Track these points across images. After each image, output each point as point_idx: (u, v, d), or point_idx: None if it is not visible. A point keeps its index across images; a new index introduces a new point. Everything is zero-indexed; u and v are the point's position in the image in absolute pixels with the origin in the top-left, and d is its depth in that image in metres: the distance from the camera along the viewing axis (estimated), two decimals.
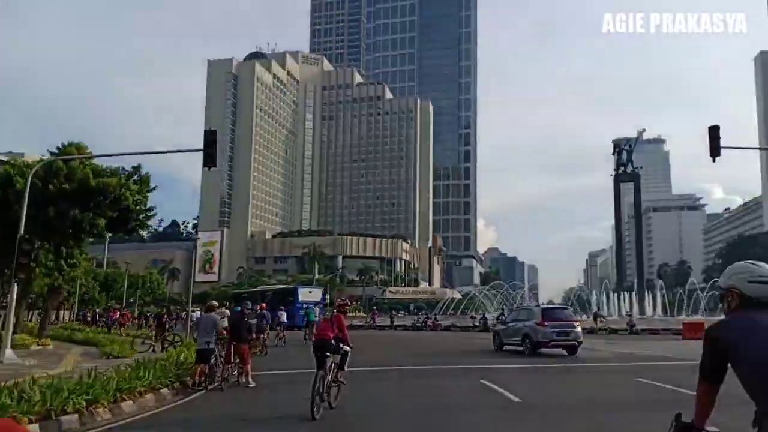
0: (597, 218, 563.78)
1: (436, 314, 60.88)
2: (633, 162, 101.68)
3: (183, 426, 9.11)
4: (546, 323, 20.65)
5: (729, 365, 2.61)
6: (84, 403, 8.59)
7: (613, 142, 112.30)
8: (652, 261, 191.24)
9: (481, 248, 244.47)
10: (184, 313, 41.81)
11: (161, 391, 10.92)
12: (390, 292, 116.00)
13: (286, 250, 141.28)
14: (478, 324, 43.96)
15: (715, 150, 21.55)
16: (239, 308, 15.24)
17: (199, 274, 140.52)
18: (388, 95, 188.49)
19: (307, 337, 27.53)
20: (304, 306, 36.15)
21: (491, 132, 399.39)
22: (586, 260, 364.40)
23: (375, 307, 65.81)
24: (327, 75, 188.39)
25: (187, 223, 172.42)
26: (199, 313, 22.68)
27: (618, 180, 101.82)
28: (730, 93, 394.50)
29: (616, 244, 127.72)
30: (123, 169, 25.94)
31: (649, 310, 73.34)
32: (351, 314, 70.70)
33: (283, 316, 28.07)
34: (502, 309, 60.42)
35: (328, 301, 74.07)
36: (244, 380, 12.51)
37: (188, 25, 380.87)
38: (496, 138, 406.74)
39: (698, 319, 51.62)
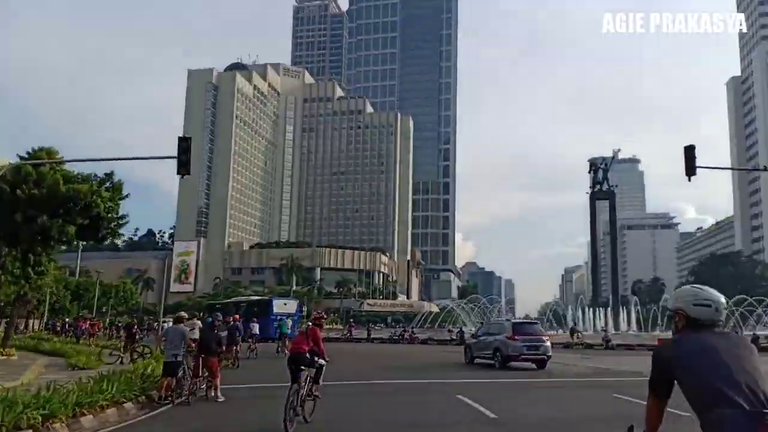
0: (573, 235, 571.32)
1: (413, 327, 60.59)
2: (608, 180, 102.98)
3: None
4: (516, 337, 20.94)
5: (675, 381, 2.80)
6: (39, 418, 8.13)
7: (589, 161, 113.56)
8: (626, 277, 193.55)
9: (460, 262, 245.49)
10: (156, 323, 40.94)
11: (125, 405, 10.49)
12: (368, 304, 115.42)
13: (263, 261, 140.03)
14: (455, 337, 43.78)
15: (690, 169, 21.77)
16: (210, 320, 14.83)
17: (175, 284, 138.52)
18: (369, 109, 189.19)
19: (280, 349, 27.10)
20: (278, 318, 35.53)
21: (470, 148, 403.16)
22: (562, 276, 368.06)
23: (352, 320, 65.31)
24: (308, 88, 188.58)
25: (164, 232, 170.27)
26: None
27: (594, 198, 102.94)
28: (703, 116, 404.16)
29: (591, 260, 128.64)
30: (95, 175, 25.36)
31: (623, 325, 73.92)
32: (328, 327, 70.10)
33: (256, 328, 27.57)
34: (481, 323, 60.35)
35: (305, 314, 73.44)
36: (213, 394, 12.10)
37: (170, 35, 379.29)
38: (476, 154, 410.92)
39: (665, 336, 52.21)
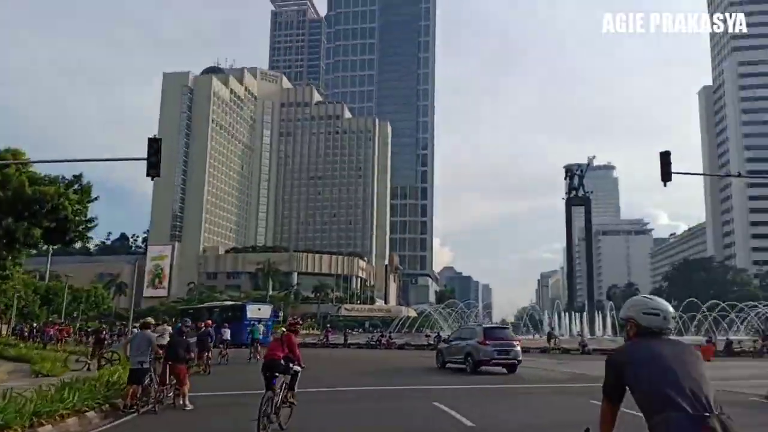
0: (549, 240, 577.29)
1: (390, 332, 60.21)
2: (584, 187, 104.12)
3: None
4: (487, 342, 21.17)
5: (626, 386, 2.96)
6: None
7: (564, 167, 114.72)
8: (601, 282, 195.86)
9: (437, 267, 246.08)
10: (127, 329, 40.02)
11: (87, 414, 10.05)
12: (345, 309, 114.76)
13: (239, 265, 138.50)
14: (432, 342, 43.56)
15: (666, 175, 21.92)
16: (179, 325, 14.39)
17: (148, 289, 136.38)
18: (347, 114, 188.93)
19: (252, 355, 26.72)
20: (252, 323, 35.00)
21: (448, 154, 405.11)
22: (538, 280, 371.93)
23: (329, 325, 64.68)
24: (286, 92, 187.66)
25: (137, 236, 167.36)
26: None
27: (569, 204, 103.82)
28: (676, 125, 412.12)
29: (567, 265, 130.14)
30: (63, 177, 24.65)
31: (599, 330, 74.54)
32: (305, 332, 69.36)
33: (227, 333, 27.12)
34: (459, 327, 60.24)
35: (281, 319, 72.61)
36: (180, 402, 11.67)
37: (146, 39, 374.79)
38: (453, 160, 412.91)
39: None
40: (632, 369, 2.91)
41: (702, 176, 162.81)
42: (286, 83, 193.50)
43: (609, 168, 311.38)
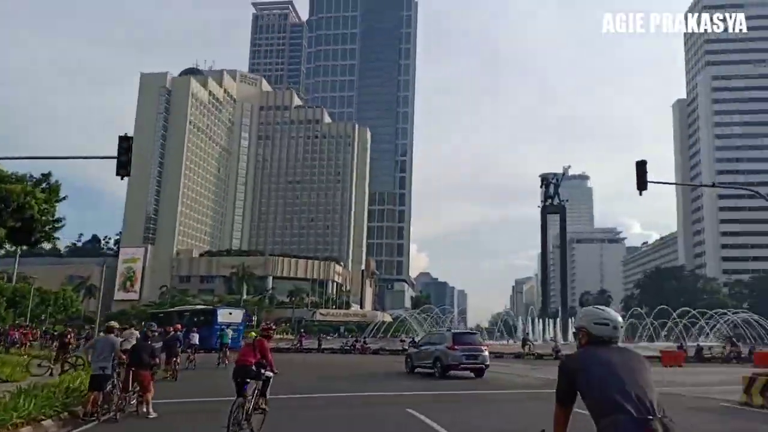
0: (524, 248, 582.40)
1: (365, 337, 59.95)
2: (559, 195, 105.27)
3: None
4: (456, 347, 21.42)
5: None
6: None
7: (540, 176, 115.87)
8: (574, 289, 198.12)
9: (413, 272, 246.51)
10: (95, 333, 39.04)
11: (43, 423, 9.60)
12: (320, 314, 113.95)
13: (213, 269, 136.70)
14: (407, 347, 43.35)
15: (642, 184, 22.08)
16: (145, 330, 13.93)
17: (120, 292, 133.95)
18: (327, 119, 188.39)
19: (220, 360, 26.32)
20: (222, 328, 34.43)
21: (427, 160, 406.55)
22: (513, 287, 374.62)
23: (302, 330, 64.08)
24: (265, 95, 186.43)
25: (109, 238, 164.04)
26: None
27: (545, 212, 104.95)
28: (650, 137, 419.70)
29: (541, 272, 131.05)
30: (30, 176, 23.92)
31: (572, 336, 75.16)
32: (278, 336, 68.70)
33: (195, 338, 26.68)
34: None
35: (254, 323, 71.78)
36: (144, 410, 11.24)
37: (124, 39, 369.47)
38: (432, 166, 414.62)
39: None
40: (584, 375, 3.08)
41: (675, 187, 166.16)
42: (266, 86, 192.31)
43: (583, 178, 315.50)
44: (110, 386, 11.03)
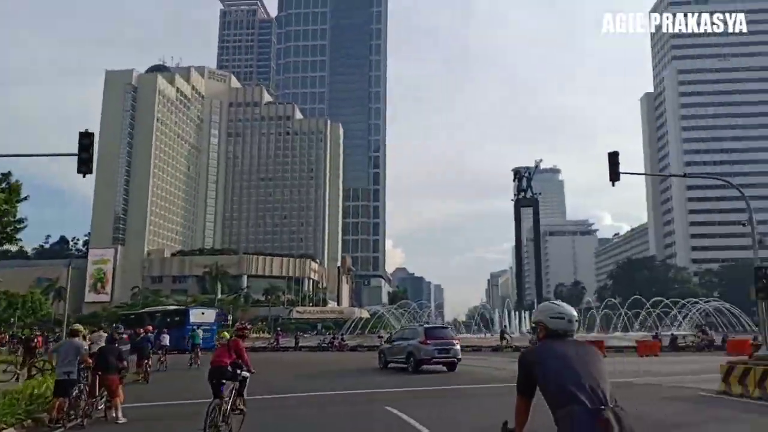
0: (498, 241, 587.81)
1: (343, 334, 59.55)
2: (532, 189, 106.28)
3: None
4: (429, 342, 21.76)
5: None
6: None
7: (513, 170, 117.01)
8: (548, 281, 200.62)
9: (390, 268, 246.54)
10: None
11: (4, 431, 9.07)
12: (297, 312, 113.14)
13: (186, 269, 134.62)
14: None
15: (615, 174, 22.13)
16: (113, 332, 13.38)
17: (90, 294, 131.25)
18: (298, 115, 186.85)
19: (192, 360, 25.88)
20: (194, 328, 33.77)
21: (400, 156, 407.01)
22: (488, 280, 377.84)
23: (279, 328, 63.28)
24: (234, 92, 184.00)
25: (78, 239, 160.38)
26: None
27: (518, 205, 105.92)
28: (619, 130, 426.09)
29: (516, 265, 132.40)
30: None
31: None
32: (254, 335, 67.91)
33: (166, 339, 26.13)
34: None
35: (230, 323, 70.77)
36: (113, 415, 10.75)
37: (89, 36, 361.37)
38: (405, 162, 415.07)
39: (596, 336, 53.71)
40: (541, 368, 3.18)
41: (644, 179, 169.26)
42: (235, 83, 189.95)
43: (555, 171, 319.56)
44: (76, 392, 10.52)
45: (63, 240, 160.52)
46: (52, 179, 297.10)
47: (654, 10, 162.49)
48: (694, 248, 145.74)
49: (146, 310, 61.29)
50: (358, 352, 42.80)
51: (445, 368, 22.01)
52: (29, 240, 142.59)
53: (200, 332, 30.54)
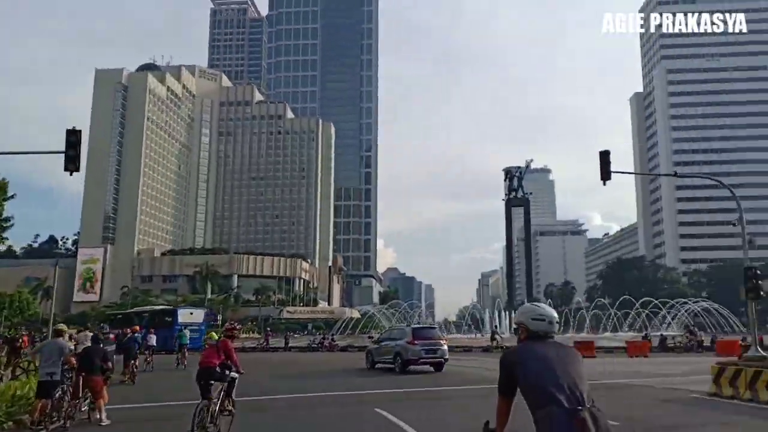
0: (489, 241, 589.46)
1: (333, 334, 59.41)
2: (523, 188, 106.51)
3: None
4: (416, 342, 21.75)
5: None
6: None
7: (504, 170, 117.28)
8: (539, 281, 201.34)
9: (381, 268, 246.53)
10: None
11: None
12: (288, 311, 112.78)
13: (176, 268, 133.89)
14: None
15: (606, 174, 22.16)
16: (97, 332, 13.17)
17: (79, 294, 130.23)
18: (290, 114, 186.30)
19: (179, 361, 25.72)
20: (182, 328, 33.54)
21: (391, 156, 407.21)
22: (479, 280, 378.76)
23: (269, 328, 62.94)
24: (225, 91, 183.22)
25: (67, 238, 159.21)
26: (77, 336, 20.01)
27: (509, 204, 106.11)
28: (608, 130, 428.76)
29: (507, 264, 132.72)
30: None
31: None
32: (244, 335, 67.60)
33: (153, 339, 25.99)
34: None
35: (219, 323, 70.42)
36: (97, 417, 10.56)
37: (79, 36, 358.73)
38: (397, 161, 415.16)
39: (586, 336, 53.88)
40: (521, 369, 3.23)
41: (634, 179, 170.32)
42: (226, 82, 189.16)
43: (545, 171, 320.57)
44: (59, 393, 10.31)
45: (52, 239, 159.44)
46: (42, 178, 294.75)
47: (642, 10, 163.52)
48: (683, 248, 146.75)
49: (134, 310, 60.88)
50: (349, 353, 42.62)
51: (432, 368, 22.05)
52: (18, 239, 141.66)
53: (187, 332, 30.32)
